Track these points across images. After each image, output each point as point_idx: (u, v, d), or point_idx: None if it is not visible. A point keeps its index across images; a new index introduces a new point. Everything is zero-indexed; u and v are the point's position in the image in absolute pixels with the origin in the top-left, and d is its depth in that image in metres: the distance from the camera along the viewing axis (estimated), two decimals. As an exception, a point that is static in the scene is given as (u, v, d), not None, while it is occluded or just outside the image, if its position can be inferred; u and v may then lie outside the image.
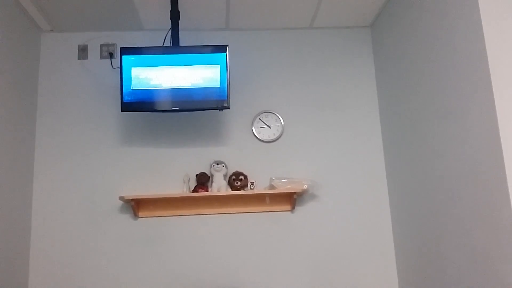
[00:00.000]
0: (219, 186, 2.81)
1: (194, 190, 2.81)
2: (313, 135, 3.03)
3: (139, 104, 2.66)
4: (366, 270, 2.86)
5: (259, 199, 2.90)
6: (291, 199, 2.84)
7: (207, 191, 2.82)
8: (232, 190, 2.82)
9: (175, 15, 2.84)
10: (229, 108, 2.70)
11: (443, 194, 2.22)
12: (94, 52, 3.07)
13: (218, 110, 2.91)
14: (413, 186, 2.58)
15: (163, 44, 2.98)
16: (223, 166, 2.85)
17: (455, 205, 2.11)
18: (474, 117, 1.92)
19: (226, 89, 2.68)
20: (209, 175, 2.87)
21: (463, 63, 1.99)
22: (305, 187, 2.77)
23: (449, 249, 2.18)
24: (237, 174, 2.85)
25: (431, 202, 2.36)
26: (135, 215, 2.84)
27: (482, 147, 1.86)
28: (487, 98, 1.82)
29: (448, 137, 2.15)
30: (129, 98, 2.66)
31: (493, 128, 1.79)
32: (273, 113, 3.03)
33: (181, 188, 2.89)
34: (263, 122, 3.02)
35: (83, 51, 3.07)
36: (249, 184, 2.88)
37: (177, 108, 2.66)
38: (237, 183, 2.82)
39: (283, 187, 2.77)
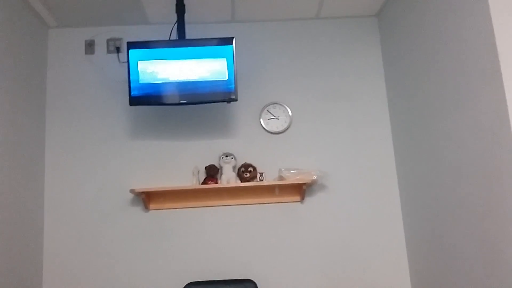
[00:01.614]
0: (228, 178, 2.82)
1: (204, 182, 2.83)
2: (321, 125, 3.03)
3: (147, 98, 2.67)
4: (376, 260, 2.87)
5: (269, 190, 2.91)
6: (301, 190, 2.85)
7: (216, 183, 2.83)
8: (241, 182, 2.83)
9: (180, 8, 2.85)
10: (236, 100, 2.71)
11: (453, 184, 2.22)
12: (100, 47, 3.08)
13: (226, 103, 2.92)
14: (423, 176, 2.57)
15: (169, 37, 2.99)
16: (232, 158, 2.86)
17: (465, 196, 2.11)
18: (483, 107, 1.91)
19: (233, 81, 2.69)
20: (218, 167, 2.88)
21: (472, 53, 1.98)
22: (315, 177, 2.77)
23: (460, 239, 2.18)
24: (246, 166, 2.86)
25: (441, 192, 2.36)
26: (146, 208, 2.86)
27: (492, 137, 1.86)
28: (497, 88, 1.81)
29: (457, 127, 2.14)
30: (137, 92, 2.67)
31: (503, 117, 1.77)
32: (281, 105, 3.03)
33: (191, 180, 2.91)
34: (271, 113, 3.02)
35: (90, 46, 3.08)
36: (258, 175, 2.89)
37: (185, 101, 2.67)
38: (246, 174, 2.83)
39: (293, 178, 2.77)
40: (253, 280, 2.80)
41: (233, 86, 2.69)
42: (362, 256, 2.87)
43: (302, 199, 2.91)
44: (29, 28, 2.81)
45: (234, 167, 2.87)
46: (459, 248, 2.19)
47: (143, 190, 2.73)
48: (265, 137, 3.00)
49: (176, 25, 2.88)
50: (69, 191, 2.90)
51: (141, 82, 2.68)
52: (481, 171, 1.96)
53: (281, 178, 2.82)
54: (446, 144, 2.27)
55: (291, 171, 2.80)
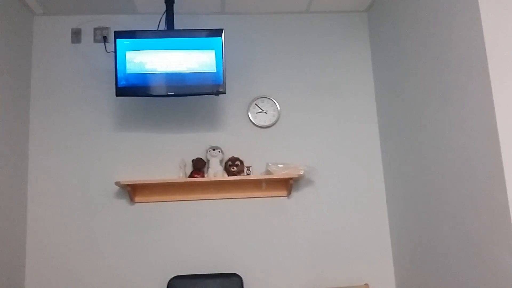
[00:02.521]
0: (215, 172, 2.80)
1: (191, 176, 2.81)
2: (309, 120, 3.02)
3: (134, 88, 2.64)
4: (361, 255, 2.89)
5: (256, 184, 2.90)
6: (287, 184, 2.85)
7: (203, 176, 2.81)
8: (228, 176, 2.82)
9: (170, -2, 2.81)
10: (225, 93, 2.68)
11: (439, 180, 2.23)
12: (87, 36, 3.02)
13: (214, 95, 2.89)
14: (409, 172, 2.59)
15: (158, 27, 2.94)
16: (219, 152, 2.85)
17: (451, 192, 2.12)
18: (470, 104, 1.92)
19: (222, 73, 2.66)
20: (205, 160, 2.86)
21: (460, 49, 1.98)
22: (302, 172, 2.77)
23: (444, 235, 2.20)
24: (233, 160, 2.84)
25: (426, 188, 2.37)
26: (132, 200, 2.83)
27: (479, 134, 1.87)
28: (484, 85, 1.82)
29: (444, 124, 2.16)
30: (124, 83, 2.64)
31: (490, 115, 1.79)
32: (269, 98, 3.02)
33: (177, 173, 2.88)
34: (259, 107, 3.01)
35: (76, 35, 3.02)
36: (245, 169, 2.88)
37: (173, 93, 2.64)
38: (233, 168, 2.82)
39: (280, 173, 2.77)
40: (239, 274, 2.80)
41: (222, 78, 2.66)
42: (347, 251, 2.89)
43: (289, 194, 2.91)
44: (14, 14, 2.74)
45: (221, 161, 2.85)
46: (444, 243, 2.21)
47: (129, 183, 2.70)
48: (253, 131, 2.99)
49: (165, 15, 2.83)
50: (53, 183, 2.85)
51: (128, 72, 2.64)
52: (468, 169, 1.97)
53: (268, 172, 2.81)
54: (433, 141, 2.28)
55: (278, 166, 2.79)
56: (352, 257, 2.88)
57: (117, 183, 2.69)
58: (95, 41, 3.02)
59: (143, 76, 2.64)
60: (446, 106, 2.13)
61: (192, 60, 2.66)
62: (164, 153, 2.92)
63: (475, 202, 1.92)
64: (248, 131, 2.98)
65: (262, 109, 3.01)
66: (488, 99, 1.79)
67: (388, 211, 2.93)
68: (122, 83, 2.64)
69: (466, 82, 1.95)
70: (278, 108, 3.01)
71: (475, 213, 1.92)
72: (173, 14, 2.81)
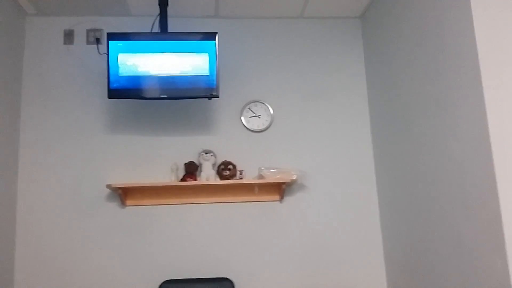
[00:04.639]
0: (207, 175, 2.79)
1: (183, 179, 2.79)
2: (302, 125, 3.02)
3: (126, 91, 2.62)
4: (354, 259, 2.89)
5: (248, 188, 2.89)
6: (280, 189, 2.84)
7: (195, 180, 2.80)
8: (220, 180, 2.80)
9: (163, 1, 2.80)
10: (218, 97, 2.68)
11: (431, 186, 2.24)
12: (80, 37, 3.00)
13: (207, 99, 2.89)
14: (401, 178, 2.60)
15: (151, 30, 2.93)
16: (212, 155, 2.83)
17: (443, 198, 2.13)
18: (463, 110, 1.93)
19: (215, 77, 2.66)
20: (197, 164, 2.85)
21: (453, 56, 2.00)
22: (294, 177, 2.77)
23: (436, 240, 2.20)
24: (226, 164, 2.83)
25: (419, 193, 2.38)
26: (123, 204, 2.81)
27: (471, 140, 1.88)
28: (476, 91, 1.83)
29: (436, 130, 2.17)
30: (116, 85, 2.62)
31: (482, 121, 1.80)
32: (262, 103, 3.01)
33: (169, 176, 2.87)
34: (252, 111, 3.00)
35: (69, 36, 2.99)
36: (237, 173, 2.87)
37: (165, 96, 2.63)
38: (225, 172, 2.81)
39: (272, 177, 2.76)
40: (230, 278, 2.78)
41: (215, 82, 2.66)
42: (339, 256, 2.89)
43: (282, 198, 2.90)
44: (6, 14, 2.71)
45: (213, 165, 2.84)
46: (436, 248, 2.22)
47: (120, 186, 2.68)
48: (246, 135, 2.98)
49: (158, 17, 2.82)
50: (44, 185, 2.82)
51: (120, 74, 2.63)
52: (460, 174, 1.98)
53: (261, 176, 2.81)
54: (425, 146, 2.29)
55: (271, 170, 2.79)
56: (344, 262, 2.88)
57: (108, 186, 2.66)
58: (88, 42, 3.00)
59: (136, 79, 2.63)
60: (438, 111, 2.15)
61: (185, 63, 2.65)
62: (156, 156, 2.90)
63: (467, 207, 1.92)
64: (241, 135, 2.98)
65: (255, 113, 3.00)
66: (480, 105, 1.81)
67: (380, 216, 2.94)
68: (114, 85, 2.62)
69: (459, 87, 1.96)
70: (271, 112, 3.01)
71: (467, 218, 1.93)
72: (166, 16, 2.80)
